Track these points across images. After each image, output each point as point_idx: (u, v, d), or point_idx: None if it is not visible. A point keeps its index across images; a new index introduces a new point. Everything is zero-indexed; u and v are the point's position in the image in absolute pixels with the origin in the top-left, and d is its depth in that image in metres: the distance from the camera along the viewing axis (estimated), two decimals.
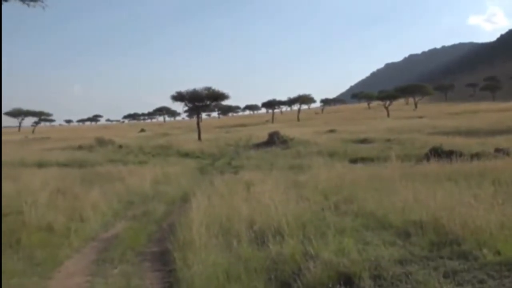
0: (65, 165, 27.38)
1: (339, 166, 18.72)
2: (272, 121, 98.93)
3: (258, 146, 37.24)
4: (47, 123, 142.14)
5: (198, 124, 54.45)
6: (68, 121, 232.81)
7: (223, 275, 6.53)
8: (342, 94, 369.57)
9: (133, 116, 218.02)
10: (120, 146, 40.82)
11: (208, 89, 54.31)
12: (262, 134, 43.28)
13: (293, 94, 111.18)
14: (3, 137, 76.10)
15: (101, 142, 42.77)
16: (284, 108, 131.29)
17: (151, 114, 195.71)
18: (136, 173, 20.57)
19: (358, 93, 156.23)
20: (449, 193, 9.49)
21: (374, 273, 5.95)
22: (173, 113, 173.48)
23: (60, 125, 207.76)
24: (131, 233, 10.34)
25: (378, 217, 9.01)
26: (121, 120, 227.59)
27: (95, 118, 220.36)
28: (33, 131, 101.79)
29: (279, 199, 10.13)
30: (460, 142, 28.11)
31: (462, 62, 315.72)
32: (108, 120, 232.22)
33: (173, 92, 55.41)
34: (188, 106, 58.23)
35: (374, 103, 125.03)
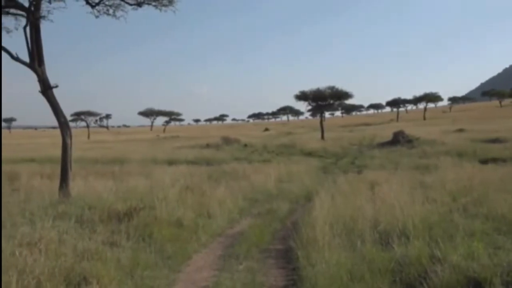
0: (193, 162, 28.72)
1: (468, 166, 17.80)
2: (397, 120, 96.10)
3: (382, 145, 36.43)
4: (177, 123, 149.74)
5: (321, 123, 54.40)
6: (196, 121, 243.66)
7: (347, 275, 6.48)
8: (472, 92, 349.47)
9: (257, 116, 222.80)
10: (245, 145, 42.02)
11: (332, 88, 54.04)
12: (386, 133, 42.24)
13: (419, 93, 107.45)
14: (137, 136, 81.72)
15: (227, 141, 44.27)
16: (410, 107, 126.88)
17: (275, 114, 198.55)
18: (260, 171, 21.10)
19: (489, 91, 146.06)
20: None
21: (506, 279, 5.61)
22: (296, 112, 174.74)
23: (188, 124, 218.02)
24: (256, 230, 10.59)
25: (511, 220, 8.49)
26: (246, 119, 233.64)
27: (221, 118, 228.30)
28: (164, 130, 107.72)
29: (404, 200, 9.88)
30: None
31: None
32: (233, 119, 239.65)
33: (296, 91, 56.02)
34: (312, 105, 58.45)
35: (507, 101, 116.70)
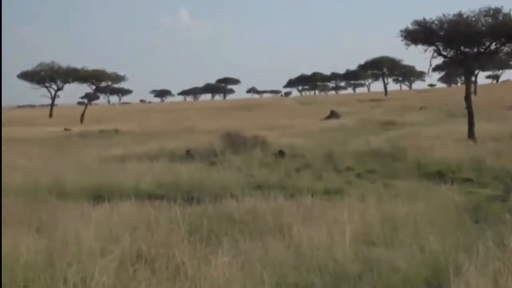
0: (153, 195, 28.81)
1: None
2: None
3: None
4: (114, 98, 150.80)
5: (468, 98, 53.73)
6: (162, 94, 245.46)
7: None
8: None
9: (308, 81, 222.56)
10: (281, 153, 42.08)
11: (495, 12, 53.30)
12: None
13: None
14: (15, 131, 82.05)
15: (235, 141, 44.43)
16: None
17: (351, 78, 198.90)
18: (317, 216, 21.02)
19: None
20: None
21: None
22: (404, 73, 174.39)
23: (142, 101, 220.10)
24: None
25: None
26: (283, 90, 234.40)
27: (220, 87, 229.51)
28: (81, 117, 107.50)
29: None
30: None
31: None
32: (251, 90, 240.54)
33: (406, 23, 55.60)
34: (443, 55, 57.61)
35: None
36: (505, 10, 52.55)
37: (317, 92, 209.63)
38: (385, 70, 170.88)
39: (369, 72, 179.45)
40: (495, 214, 24.04)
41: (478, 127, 50.06)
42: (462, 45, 54.05)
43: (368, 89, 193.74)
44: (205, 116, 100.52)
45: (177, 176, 33.22)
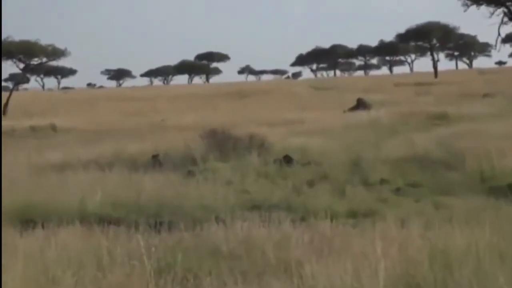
0: (106, 219, 28.57)
1: None
2: None
3: None
4: (51, 81, 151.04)
5: None
6: (118, 75, 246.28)
7: None
8: None
9: (327, 58, 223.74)
10: (287, 159, 42.03)
11: None
12: None
13: None
14: None
15: (222, 142, 44.44)
16: None
17: (384, 51, 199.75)
18: (338, 249, 20.88)
19: None
20: None
21: None
22: (462, 46, 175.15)
23: (90, 85, 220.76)
24: None
25: None
26: (289, 72, 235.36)
27: (201, 66, 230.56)
28: (4, 108, 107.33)
29: None
30: None
31: None
32: (245, 70, 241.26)
33: None
34: None
35: None
36: None
37: (338, 72, 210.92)
38: (434, 41, 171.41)
39: (412, 44, 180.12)
40: None
41: None
42: None
43: (411, 69, 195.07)
44: (180, 106, 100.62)
45: (140, 192, 33.06)
